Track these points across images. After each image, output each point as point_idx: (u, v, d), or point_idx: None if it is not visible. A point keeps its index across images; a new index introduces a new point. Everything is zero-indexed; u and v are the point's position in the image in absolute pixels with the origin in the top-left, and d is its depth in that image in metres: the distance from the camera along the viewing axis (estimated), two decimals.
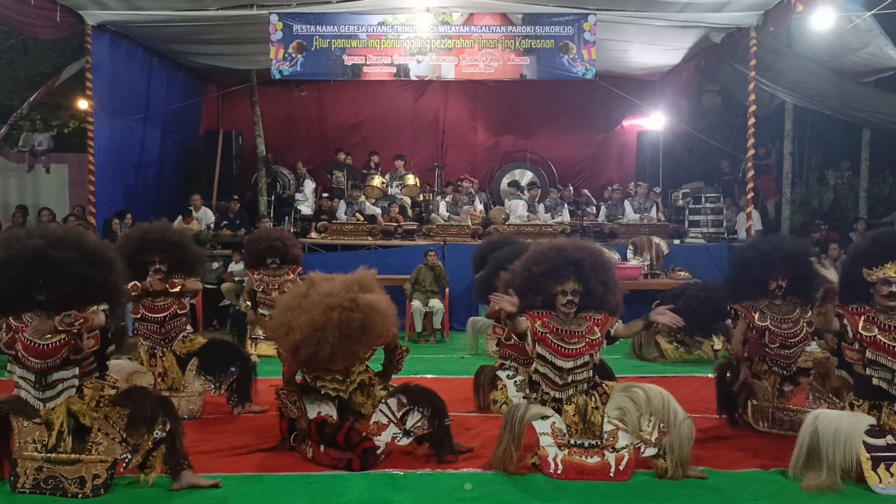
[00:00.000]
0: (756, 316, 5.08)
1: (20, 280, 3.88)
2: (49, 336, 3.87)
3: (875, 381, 4.17)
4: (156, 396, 4.16)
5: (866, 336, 4.15)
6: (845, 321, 4.25)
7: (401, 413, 4.45)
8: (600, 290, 4.35)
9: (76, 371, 4.05)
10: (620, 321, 4.49)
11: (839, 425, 4.02)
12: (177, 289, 5.50)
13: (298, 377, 4.69)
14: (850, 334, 4.21)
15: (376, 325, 4.34)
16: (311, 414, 4.49)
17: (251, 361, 5.70)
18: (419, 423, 4.44)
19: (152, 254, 5.44)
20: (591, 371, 4.40)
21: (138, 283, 5.36)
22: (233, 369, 5.62)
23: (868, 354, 4.16)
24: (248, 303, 8.05)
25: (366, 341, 4.40)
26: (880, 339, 4.12)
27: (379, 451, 4.38)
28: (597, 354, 4.41)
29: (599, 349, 4.42)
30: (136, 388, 4.31)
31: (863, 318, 4.19)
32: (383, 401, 4.50)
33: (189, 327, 5.81)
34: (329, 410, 4.52)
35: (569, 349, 4.30)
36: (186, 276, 5.62)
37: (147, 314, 5.52)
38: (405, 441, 4.44)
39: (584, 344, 4.32)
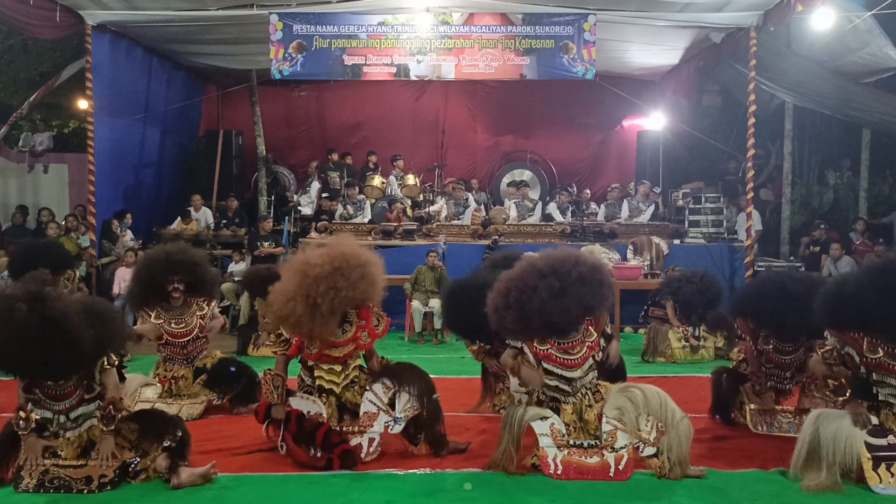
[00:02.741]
0: (760, 340, 5.11)
1: (22, 363, 3.90)
2: (63, 382, 4.01)
3: (882, 397, 4.16)
4: (167, 416, 4.33)
5: (871, 359, 4.13)
6: (848, 349, 4.21)
7: (388, 397, 4.44)
8: (582, 310, 4.30)
9: (97, 404, 4.16)
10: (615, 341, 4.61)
11: (840, 425, 4.01)
12: (205, 333, 5.74)
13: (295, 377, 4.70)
14: (857, 359, 4.16)
15: (373, 271, 4.50)
16: (299, 407, 4.50)
17: (257, 380, 5.76)
18: (409, 405, 4.43)
19: (173, 274, 5.58)
20: (597, 371, 4.44)
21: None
22: (232, 369, 5.75)
23: (875, 376, 4.14)
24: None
25: (365, 286, 4.45)
26: (885, 362, 4.09)
27: (375, 444, 4.40)
28: (598, 354, 4.45)
29: (599, 348, 4.45)
30: (147, 410, 4.49)
31: (866, 340, 4.15)
32: (368, 388, 4.49)
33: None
34: (318, 410, 4.50)
35: (573, 360, 4.33)
36: (205, 297, 5.81)
37: (170, 339, 5.64)
38: (398, 428, 4.44)
39: (585, 349, 4.36)
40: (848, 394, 4.15)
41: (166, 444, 4.09)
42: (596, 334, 4.43)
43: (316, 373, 4.58)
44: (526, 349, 4.41)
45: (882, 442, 3.98)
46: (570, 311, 4.20)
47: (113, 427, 4.06)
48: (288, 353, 4.64)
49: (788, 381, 5.16)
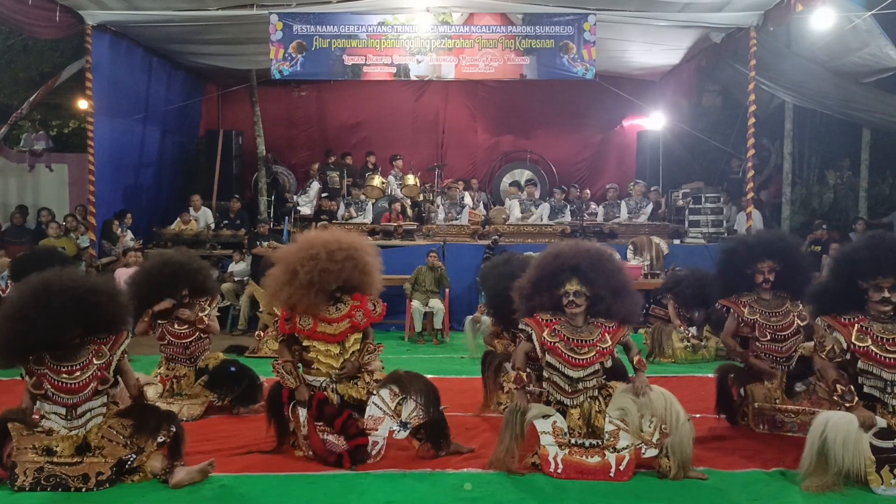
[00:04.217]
0: (745, 311, 5.10)
1: (54, 323, 3.94)
2: (78, 374, 4.06)
3: (866, 389, 4.14)
4: (161, 410, 4.32)
5: (859, 346, 4.11)
6: (836, 334, 4.19)
7: (395, 403, 4.42)
8: (607, 295, 4.31)
9: (104, 399, 4.20)
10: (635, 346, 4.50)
11: (848, 432, 3.95)
12: (203, 326, 5.70)
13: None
14: (844, 345, 4.15)
15: (365, 258, 4.62)
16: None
17: (258, 382, 5.77)
18: (415, 413, 4.41)
19: (180, 284, 5.61)
20: (601, 377, 4.39)
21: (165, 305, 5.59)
22: (233, 369, 5.74)
23: (860, 364, 4.12)
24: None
25: (353, 268, 4.55)
26: (873, 350, 4.08)
27: (378, 448, 4.38)
28: (607, 362, 4.40)
29: (610, 357, 4.39)
30: (141, 405, 4.43)
31: (856, 327, 4.14)
32: (375, 392, 4.47)
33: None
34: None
35: (579, 359, 4.29)
36: (207, 297, 5.82)
37: (173, 340, 5.68)
38: (403, 434, 4.42)
39: (594, 353, 4.30)
40: (855, 400, 4.11)
41: (161, 440, 4.09)
42: (610, 343, 4.34)
43: (312, 353, 4.56)
44: (534, 337, 4.38)
45: (888, 444, 3.96)
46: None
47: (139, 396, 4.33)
48: (279, 331, 4.66)
49: (786, 357, 5.07)
